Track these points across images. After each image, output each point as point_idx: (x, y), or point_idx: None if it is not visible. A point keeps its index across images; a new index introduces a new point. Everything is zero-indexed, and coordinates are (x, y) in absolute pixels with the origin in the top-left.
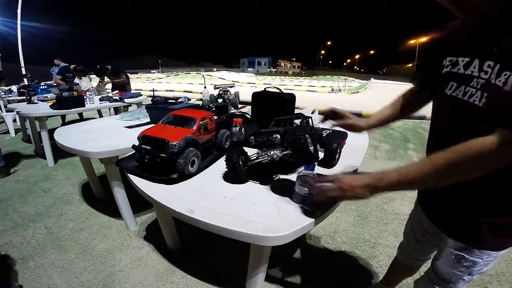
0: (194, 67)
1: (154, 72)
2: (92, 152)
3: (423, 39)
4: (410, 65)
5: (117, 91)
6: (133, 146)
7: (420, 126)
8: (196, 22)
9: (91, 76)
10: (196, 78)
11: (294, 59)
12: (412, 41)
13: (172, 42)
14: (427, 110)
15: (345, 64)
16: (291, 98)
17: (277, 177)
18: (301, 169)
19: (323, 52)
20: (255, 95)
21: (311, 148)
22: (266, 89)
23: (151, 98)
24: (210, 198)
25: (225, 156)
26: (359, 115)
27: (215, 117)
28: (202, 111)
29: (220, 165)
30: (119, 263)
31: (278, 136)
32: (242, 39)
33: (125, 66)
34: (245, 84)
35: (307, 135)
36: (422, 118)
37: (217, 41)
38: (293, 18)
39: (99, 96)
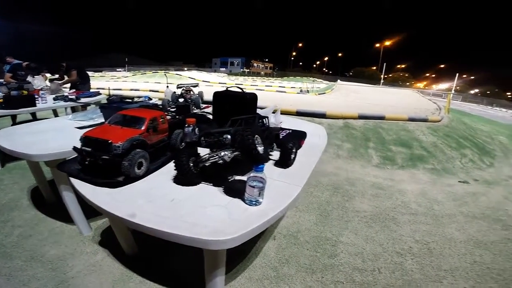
0: (164, 66)
1: (120, 71)
2: (35, 155)
3: (387, 43)
4: (374, 68)
5: (74, 90)
6: (74, 148)
7: (380, 126)
8: (168, 20)
9: (46, 74)
10: (164, 78)
11: (267, 59)
12: (377, 45)
13: (141, 40)
14: (385, 110)
15: (314, 65)
16: (253, 97)
17: (232, 178)
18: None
19: (294, 53)
20: (216, 94)
21: (260, 148)
22: (228, 89)
23: (106, 97)
24: (157, 201)
25: (174, 158)
26: (323, 115)
27: (168, 117)
28: (153, 110)
29: (172, 167)
30: (72, 269)
31: (228, 136)
32: (215, 38)
33: (89, 64)
34: (216, 84)
35: (256, 136)
36: (382, 118)
37: (189, 40)
38: (266, 19)
39: (53, 96)
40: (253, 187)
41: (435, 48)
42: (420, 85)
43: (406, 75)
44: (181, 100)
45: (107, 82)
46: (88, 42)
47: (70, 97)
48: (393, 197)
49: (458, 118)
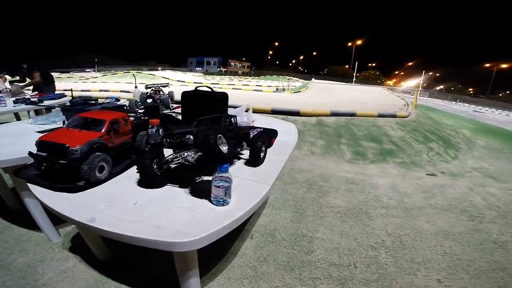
0: (137, 66)
1: (89, 71)
2: None
3: (359, 42)
4: (347, 66)
5: (37, 92)
6: (30, 153)
7: (351, 122)
8: (141, 18)
9: (6, 76)
10: (135, 78)
11: (244, 59)
12: (349, 44)
13: (112, 40)
14: (354, 107)
15: (290, 64)
16: (223, 97)
17: (200, 179)
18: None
19: (271, 52)
20: (184, 94)
21: (225, 148)
22: (197, 88)
23: (70, 99)
24: (118, 205)
25: (136, 161)
26: (297, 113)
27: (132, 118)
28: (115, 112)
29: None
30: (43, 277)
31: (191, 137)
32: (191, 38)
33: (56, 65)
34: (190, 84)
35: (220, 135)
36: (353, 114)
37: (163, 40)
38: (243, 18)
39: (14, 98)
40: (219, 187)
41: (403, 46)
42: (390, 82)
43: (377, 73)
44: (149, 100)
45: (75, 83)
46: (57, 42)
47: (32, 99)
48: (366, 191)
49: (424, 113)
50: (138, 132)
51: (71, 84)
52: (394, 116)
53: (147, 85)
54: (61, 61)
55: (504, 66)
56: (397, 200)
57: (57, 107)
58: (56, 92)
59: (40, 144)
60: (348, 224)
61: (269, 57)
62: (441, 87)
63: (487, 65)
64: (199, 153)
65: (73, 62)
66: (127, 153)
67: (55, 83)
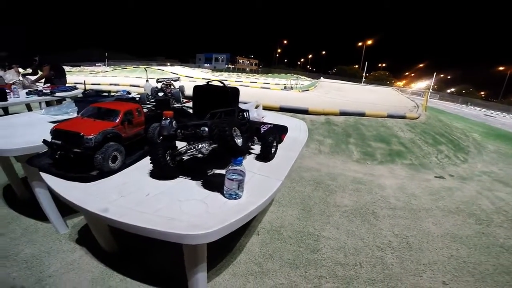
0: (146, 61)
1: (99, 65)
2: (4, 150)
3: (369, 42)
4: (356, 66)
5: (49, 84)
6: (44, 141)
7: (360, 122)
8: (151, 14)
9: (19, 68)
10: (145, 73)
11: (252, 56)
12: (360, 44)
13: (123, 35)
14: (363, 107)
15: (299, 63)
16: (234, 92)
17: (212, 172)
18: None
19: (279, 50)
20: (196, 88)
21: (239, 141)
22: (209, 83)
23: (82, 91)
24: (131, 196)
25: (149, 152)
26: (305, 111)
27: (145, 110)
28: (128, 103)
29: (149, 161)
30: (48, 268)
31: (206, 128)
32: (200, 34)
33: (67, 59)
34: (199, 79)
35: (234, 128)
36: (362, 114)
37: (172, 35)
38: (252, 15)
39: (26, 90)
40: (232, 180)
41: (414, 47)
42: (400, 83)
43: (387, 73)
44: (160, 94)
45: (86, 77)
46: (68, 36)
47: (44, 91)
48: (373, 192)
49: (434, 115)
50: (151, 124)
51: (81, 78)
52: (403, 117)
53: (158, 79)
54: (73, 55)
55: None
56: (405, 202)
57: (70, 98)
58: (67, 85)
59: (55, 132)
60: (355, 223)
61: (277, 55)
62: (452, 89)
63: (501, 68)
64: (213, 145)
65: (84, 56)
66: (139, 144)
67: (67, 76)
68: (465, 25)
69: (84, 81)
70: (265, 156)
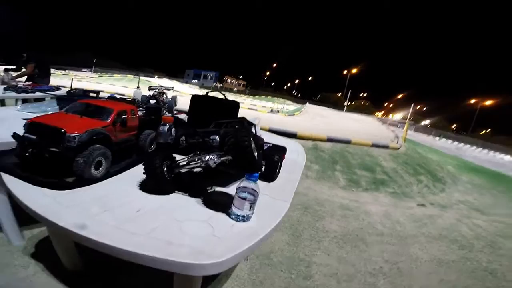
0: (134, 71)
1: (86, 71)
2: None
3: (354, 71)
4: (339, 94)
5: (31, 82)
6: (14, 135)
7: (346, 150)
8: (143, 24)
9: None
10: (132, 82)
11: (241, 76)
12: (345, 72)
13: (112, 42)
14: (351, 135)
15: (285, 87)
16: (235, 105)
17: (212, 189)
18: (242, 180)
19: (268, 73)
20: (195, 98)
21: (255, 154)
22: (209, 94)
23: (67, 90)
24: (117, 211)
25: (144, 160)
26: (294, 135)
27: (140, 113)
28: (123, 103)
29: (139, 172)
30: None
31: (217, 137)
32: (190, 49)
33: (53, 61)
34: (186, 95)
35: (252, 139)
36: (348, 142)
37: (163, 48)
38: (244, 35)
39: (4, 86)
40: (244, 199)
41: (395, 78)
42: (379, 114)
43: (367, 103)
44: (152, 101)
45: (69, 82)
46: (56, 38)
47: (23, 88)
48: (360, 218)
49: (413, 147)
50: (143, 130)
51: (65, 81)
52: (387, 147)
53: (151, 86)
54: (59, 58)
55: (487, 103)
56: (391, 228)
57: (52, 96)
58: (50, 85)
59: (30, 125)
60: (345, 249)
61: (265, 78)
62: (427, 122)
63: (472, 101)
64: (224, 158)
65: (71, 60)
66: (128, 152)
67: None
68: (442, 58)
69: (72, 79)
70: (270, 175)
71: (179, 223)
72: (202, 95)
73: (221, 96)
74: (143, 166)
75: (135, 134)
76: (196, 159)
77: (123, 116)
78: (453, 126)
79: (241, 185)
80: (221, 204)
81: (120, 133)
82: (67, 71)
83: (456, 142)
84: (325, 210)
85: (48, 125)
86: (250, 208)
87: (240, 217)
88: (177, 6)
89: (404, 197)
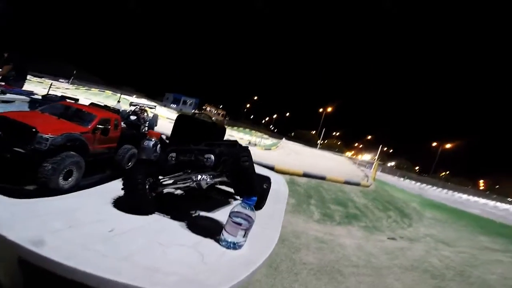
0: (114, 88)
1: (63, 82)
2: None
3: (329, 109)
4: (313, 132)
5: (4, 83)
6: None
7: (321, 185)
8: (128, 42)
9: None
10: (109, 99)
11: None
12: (321, 110)
13: (95, 57)
14: (325, 172)
15: (263, 121)
16: (221, 129)
17: (197, 213)
18: (235, 203)
19: (248, 105)
20: (180, 117)
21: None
22: (195, 114)
23: (42, 95)
24: (86, 228)
25: (124, 175)
26: (271, 168)
27: (123, 125)
28: (107, 111)
29: (114, 188)
30: None
31: (212, 156)
32: (173, 72)
33: (30, 67)
34: (163, 118)
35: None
36: (323, 178)
37: (146, 68)
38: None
39: None
40: (240, 224)
41: (367, 120)
42: (349, 153)
43: (339, 142)
44: (133, 117)
45: (44, 90)
46: (36, 43)
47: None
48: (335, 250)
49: (381, 186)
50: (123, 144)
51: (38, 89)
52: (358, 184)
53: (132, 102)
54: (37, 64)
55: (447, 146)
56: (366, 260)
57: (23, 100)
58: (23, 89)
59: None
60: (323, 281)
61: (245, 110)
62: (393, 163)
63: (434, 144)
64: (218, 179)
65: (49, 68)
66: (101, 166)
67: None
68: (409, 103)
69: (51, 84)
70: (258, 204)
71: (163, 248)
72: (189, 116)
73: (209, 119)
74: (122, 181)
75: (114, 147)
76: (187, 178)
77: (105, 125)
78: (416, 168)
79: (236, 209)
80: (208, 229)
81: (99, 143)
82: (43, 78)
83: (419, 183)
84: (301, 242)
85: (18, 121)
86: (244, 235)
87: (232, 244)
88: (166, 29)
89: (375, 230)
